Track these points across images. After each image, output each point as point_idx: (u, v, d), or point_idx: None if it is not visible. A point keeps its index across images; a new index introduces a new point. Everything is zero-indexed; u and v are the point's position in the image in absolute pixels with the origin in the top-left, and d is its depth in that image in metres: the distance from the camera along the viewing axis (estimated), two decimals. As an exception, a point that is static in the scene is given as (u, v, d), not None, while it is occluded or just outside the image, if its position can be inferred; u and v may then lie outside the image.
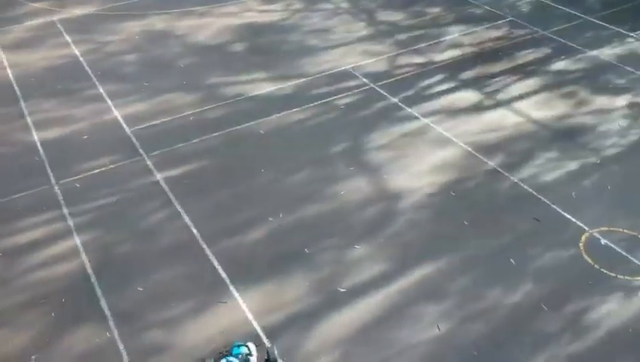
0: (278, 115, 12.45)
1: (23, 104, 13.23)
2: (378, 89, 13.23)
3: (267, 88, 13.46)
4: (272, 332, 7.88)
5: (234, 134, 11.94)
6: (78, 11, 17.51)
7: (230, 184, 10.59)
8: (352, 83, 13.52)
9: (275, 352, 7.38)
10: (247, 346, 7.33)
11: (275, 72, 14.10)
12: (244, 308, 8.27)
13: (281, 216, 9.82)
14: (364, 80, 13.58)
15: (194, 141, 11.77)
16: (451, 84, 13.35)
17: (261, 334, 7.89)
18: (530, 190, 10.17)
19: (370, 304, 8.28)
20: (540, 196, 10.04)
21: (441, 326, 7.93)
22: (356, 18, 16.57)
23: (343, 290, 8.48)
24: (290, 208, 9.97)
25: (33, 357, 7.70)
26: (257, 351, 7.43)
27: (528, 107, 12.42)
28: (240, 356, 7.13)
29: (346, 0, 17.66)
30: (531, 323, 7.92)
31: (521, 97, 12.76)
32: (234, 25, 16.45)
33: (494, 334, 7.79)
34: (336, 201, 10.11)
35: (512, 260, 8.85)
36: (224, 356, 7.07)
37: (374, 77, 13.67)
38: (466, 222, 9.57)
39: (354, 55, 14.67)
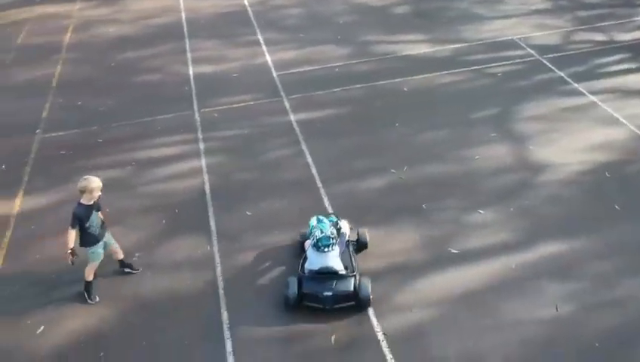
0: (426, 75, 11.75)
1: (187, 42, 13.96)
2: (544, 61, 11.93)
3: (421, 50, 12.79)
4: (370, 276, 7.30)
5: (376, 88, 11.47)
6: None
7: (360, 133, 10.15)
8: (515, 53, 12.36)
9: (367, 237, 7.57)
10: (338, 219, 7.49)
11: (433, 35, 13.37)
12: (345, 249, 7.80)
13: (405, 169, 9.18)
14: (530, 51, 12.33)
15: (334, 90, 11.51)
16: (632, 65, 11.63)
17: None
18: None
19: (483, 271, 7.36)
20: None
21: (562, 308, 6.79)
22: (535, -10, 15.20)
23: (455, 251, 7.65)
24: (417, 164, 9.29)
25: (137, 254, 7.94)
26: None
27: None
28: (331, 221, 7.24)
29: (528, -27, 16.27)
30: (677, 326, 6.49)
31: None
32: (401, -11, 15.96)
33: (624, 329, 6.48)
34: (468, 164, 9.22)
35: (667, 255, 7.37)
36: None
37: (542, 49, 12.35)
38: (617, 206, 8.17)
39: (523, 27, 13.42)
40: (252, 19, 14.90)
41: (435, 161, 9.32)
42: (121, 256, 7.55)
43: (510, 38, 12.93)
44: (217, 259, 7.77)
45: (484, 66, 11.92)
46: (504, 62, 12.00)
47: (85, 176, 6.99)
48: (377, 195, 8.73)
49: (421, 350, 6.44)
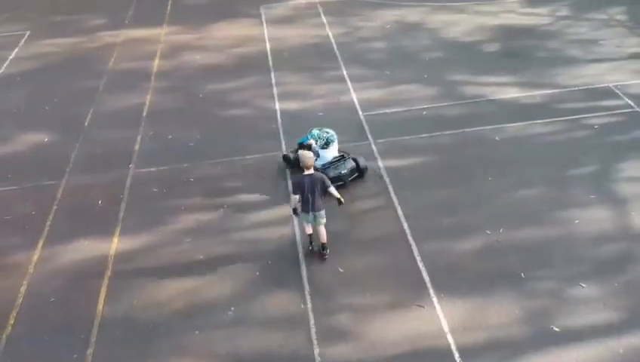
0: (518, 123, 11.45)
1: (272, 74, 14.07)
2: (643, 114, 11.46)
3: (512, 94, 12.49)
4: (468, 352, 7.15)
5: (466, 136, 11.26)
6: (338, -4, 18.17)
7: (451, 185, 9.98)
8: (611, 102, 11.90)
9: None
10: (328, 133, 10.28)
11: (524, 78, 13.03)
12: (442, 318, 7.65)
13: (500, 231, 8.95)
14: (629, 101, 11.85)
15: (422, 135, 11.36)
16: None
17: (454, 351, 7.21)
18: None
19: (587, 353, 7.08)
20: None
21: (675, 405, 6.47)
22: (633, 33, 14.61)
23: (556, 329, 7.39)
24: (513, 225, 9.04)
25: (232, 308, 8.01)
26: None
27: None
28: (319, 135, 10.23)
29: (625, 12, 15.67)
30: None
31: None
32: (490, 24, 15.63)
33: None
34: (566, 229, 8.92)
35: None
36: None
37: (640, 99, 11.88)
38: None
39: (621, 72, 12.92)
40: (336, 52, 14.88)
41: (531, 223, 9.05)
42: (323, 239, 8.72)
43: (606, 85, 12.46)
44: (312, 320, 7.76)
45: (578, 116, 11.53)
46: (600, 113, 11.58)
47: (301, 152, 8.81)
48: (473, 258, 8.54)
49: None
